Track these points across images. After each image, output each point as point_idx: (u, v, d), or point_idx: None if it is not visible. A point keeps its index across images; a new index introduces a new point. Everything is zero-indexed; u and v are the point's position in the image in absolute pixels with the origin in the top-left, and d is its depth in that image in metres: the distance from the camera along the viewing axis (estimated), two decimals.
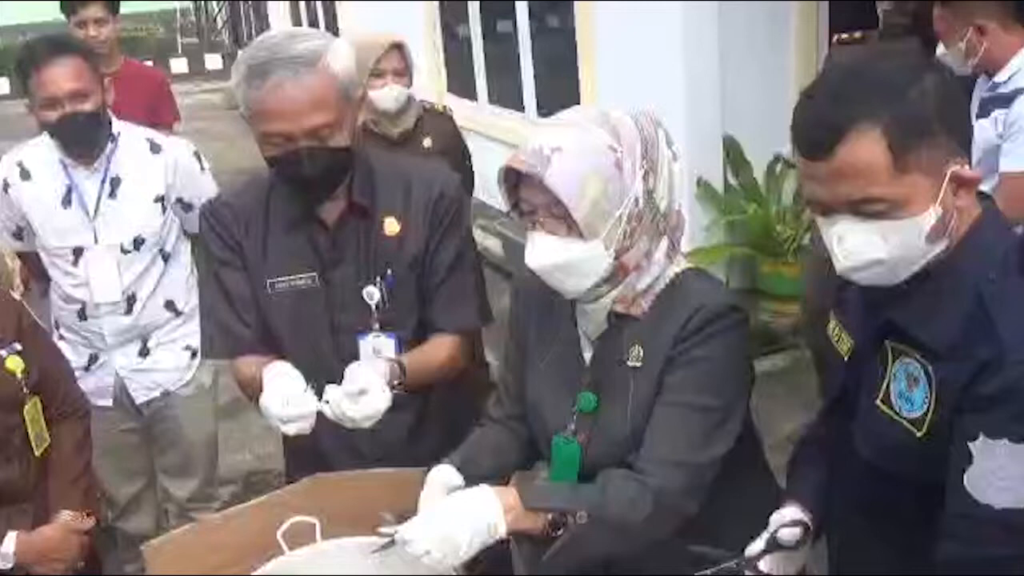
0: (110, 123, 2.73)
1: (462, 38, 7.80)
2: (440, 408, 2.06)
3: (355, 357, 1.92)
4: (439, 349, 1.99)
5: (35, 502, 2.19)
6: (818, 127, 1.29)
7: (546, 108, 6.63)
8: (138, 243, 2.77)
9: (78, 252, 2.74)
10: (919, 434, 1.34)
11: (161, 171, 2.80)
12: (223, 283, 1.99)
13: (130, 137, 2.79)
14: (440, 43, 8.13)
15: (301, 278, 1.96)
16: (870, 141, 1.25)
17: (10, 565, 2.09)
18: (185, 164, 2.87)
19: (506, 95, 7.27)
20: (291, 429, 1.74)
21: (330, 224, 1.95)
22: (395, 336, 1.96)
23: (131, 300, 2.79)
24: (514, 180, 1.57)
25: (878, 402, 1.40)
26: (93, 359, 2.84)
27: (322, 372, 1.84)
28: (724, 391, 1.55)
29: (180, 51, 17.84)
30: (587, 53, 5.94)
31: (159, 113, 4.04)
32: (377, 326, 1.95)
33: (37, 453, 2.19)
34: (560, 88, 6.38)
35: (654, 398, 1.56)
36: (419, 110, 3.59)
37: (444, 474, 1.67)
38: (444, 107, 3.78)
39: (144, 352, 2.87)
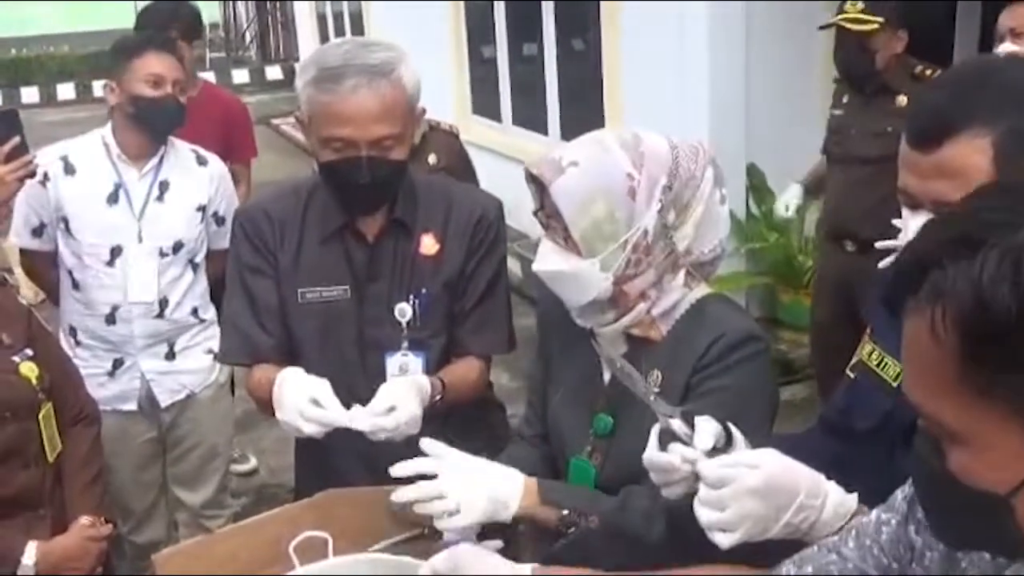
0: None
1: (488, 59, 7.83)
2: (459, 430, 2.03)
3: (381, 373, 1.90)
4: (469, 371, 1.98)
5: (53, 507, 2.18)
6: (932, 118, 1.23)
7: (570, 132, 6.63)
8: (176, 248, 2.82)
9: (116, 251, 2.75)
10: None
11: (207, 182, 2.88)
12: (249, 289, 1.97)
13: (177, 146, 2.88)
14: (466, 64, 8.16)
15: (333, 290, 1.94)
16: (978, 147, 1.20)
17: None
18: (226, 179, 2.97)
19: (531, 117, 7.29)
20: (310, 429, 1.68)
21: (370, 238, 1.94)
22: (423, 355, 1.94)
23: (163, 304, 2.82)
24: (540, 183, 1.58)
25: None
26: (118, 364, 2.85)
27: (346, 386, 1.79)
28: (743, 420, 1.52)
29: (208, 65, 17.95)
30: (612, 78, 5.94)
31: (234, 145, 3.71)
32: (406, 344, 1.93)
33: (51, 459, 2.17)
34: (585, 112, 6.38)
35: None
36: (424, 127, 3.51)
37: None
38: (450, 125, 3.75)
39: (171, 355, 2.89)
